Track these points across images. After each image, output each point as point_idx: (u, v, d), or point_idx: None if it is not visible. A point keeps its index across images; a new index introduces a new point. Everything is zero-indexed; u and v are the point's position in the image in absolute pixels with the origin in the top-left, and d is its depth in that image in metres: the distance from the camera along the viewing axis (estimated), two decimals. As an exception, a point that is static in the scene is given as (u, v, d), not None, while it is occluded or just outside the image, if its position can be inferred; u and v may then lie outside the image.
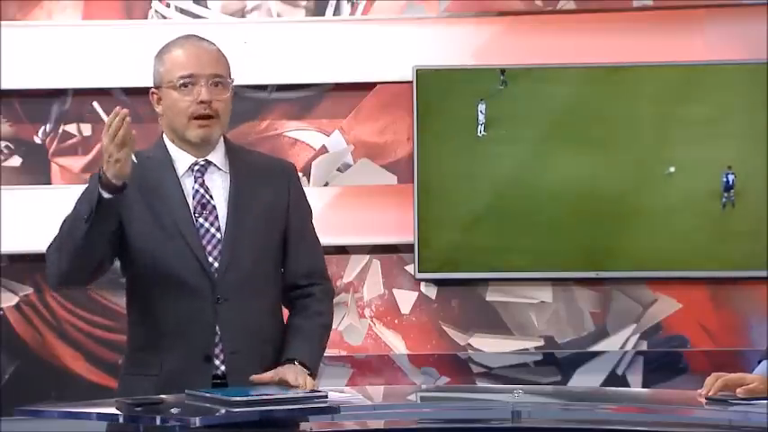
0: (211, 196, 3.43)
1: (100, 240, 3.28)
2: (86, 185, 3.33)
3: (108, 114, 3.26)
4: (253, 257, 3.44)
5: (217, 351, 3.40)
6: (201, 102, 3.39)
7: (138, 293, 3.45)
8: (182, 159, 3.46)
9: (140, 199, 3.38)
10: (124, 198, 3.26)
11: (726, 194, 5.32)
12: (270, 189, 3.50)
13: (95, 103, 3.19)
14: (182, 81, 3.40)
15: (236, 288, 3.40)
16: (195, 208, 3.41)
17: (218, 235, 3.41)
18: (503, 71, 5.35)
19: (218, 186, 3.45)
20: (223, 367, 3.40)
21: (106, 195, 3.21)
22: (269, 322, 3.50)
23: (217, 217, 3.42)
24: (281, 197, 3.52)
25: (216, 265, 3.40)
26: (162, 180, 3.42)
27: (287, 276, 3.53)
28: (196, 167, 3.45)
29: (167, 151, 3.46)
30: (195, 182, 3.44)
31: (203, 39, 3.49)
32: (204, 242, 3.40)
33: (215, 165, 3.47)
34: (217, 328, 3.39)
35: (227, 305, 3.40)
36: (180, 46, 3.45)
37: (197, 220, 3.41)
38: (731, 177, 5.31)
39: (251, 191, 3.46)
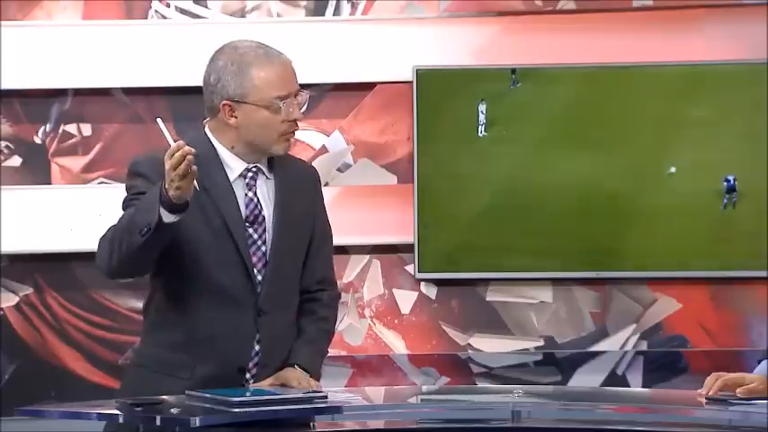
0: (262, 207, 3.41)
1: (154, 250, 3.25)
2: (148, 192, 3.24)
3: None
4: (290, 271, 3.45)
5: (251, 364, 3.40)
6: (293, 120, 3.38)
7: (175, 292, 3.39)
8: (234, 165, 3.40)
9: (193, 196, 3.29)
10: (184, 220, 3.22)
11: (728, 196, 5.31)
12: (304, 196, 3.49)
13: (159, 121, 3.14)
14: (279, 102, 3.35)
15: (274, 302, 3.40)
16: (248, 217, 3.39)
17: (264, 248, 3.39)
18: (513, 71, 5.35)
19: (266, 195, 3.43)
20: (252, 381, 3.40)
21: (167, 219, 3.16)
22: (292, 334, 3.51)
23: (265, 229, 3.40)
24: (311, 204, 3.52)
25: (259, 278, 3.39)
26: (214, 182, 3.37)
27: (302, 281, 3.53)
28: (249, 174, 3.41)
29: (216, 154, 3.40)
30: (249, 190, 3.40)
31: (279, 51, 3.43)
32: (250, 252, 3.39)
33: (263, 171, 3.44)
34: (256, 340, 3.39)
35: (266, 318, 3.39)
36: (269, 62, 3.38)
37: (247, 230, 3.39)
38: (732, 178, 5.30)
39: (291, 200, 3.44)
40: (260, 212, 3.40)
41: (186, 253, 3.33)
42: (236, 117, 3.37)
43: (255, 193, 3.41)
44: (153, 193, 3.20)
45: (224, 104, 3.37)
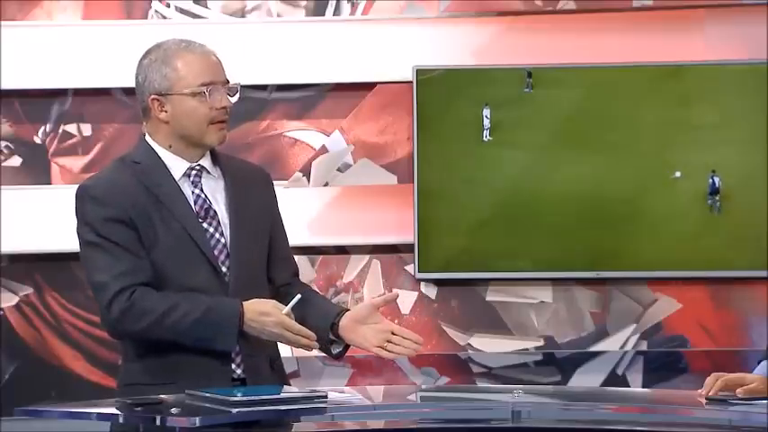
0: (211, 202, 3.45)
1: None
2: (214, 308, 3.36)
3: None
4: (255, 261, 3.49)
5: (233, 354, 3.42)
6: (222, 108, 3.42)
7: None
8: (176, 165, 3.44)
9: (147, 205, 3.37)
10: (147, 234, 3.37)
11: (711, 198, 5.31)
12: (257, 194, 3.54)
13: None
14: (203, 89, 3.40)
15: (245, 291, 3.42)
16: (199, 213, 3.43)
17: (223, 240, 3.43)
18: (529, 73, 5.35)
19: (215, 191, 3.47)
20: (239, 370, 3.42)
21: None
22: None
23: (219, 222, 3.44)
24: (266, 201, 3.57)
25: (224, 269, 3.42)
26: (161, 186, 3.41)
27: (275, 278, 3.57)
28: (193, 173, 3.45)
29: (158, 157, 3.45)
30: (195, 187, 3.44)
31: (202, 43, 3.49)
32: (211, 246, 3.42)
33: (207, 170, 3.48)
34: None
35: None
36: (190, 52, 3.45)
37: (201, 226, 3.42)
38: (716, 180, 5.30)
39: (244, 196, 3.49)
40: (209, 207, 3.44)
41: (155, 260, 3.38)
42: (165, 111, 3.43)
43: (202, 190, 3.45)
44: (228, 316, 3.34)
45: (152, 99, 3.45)
